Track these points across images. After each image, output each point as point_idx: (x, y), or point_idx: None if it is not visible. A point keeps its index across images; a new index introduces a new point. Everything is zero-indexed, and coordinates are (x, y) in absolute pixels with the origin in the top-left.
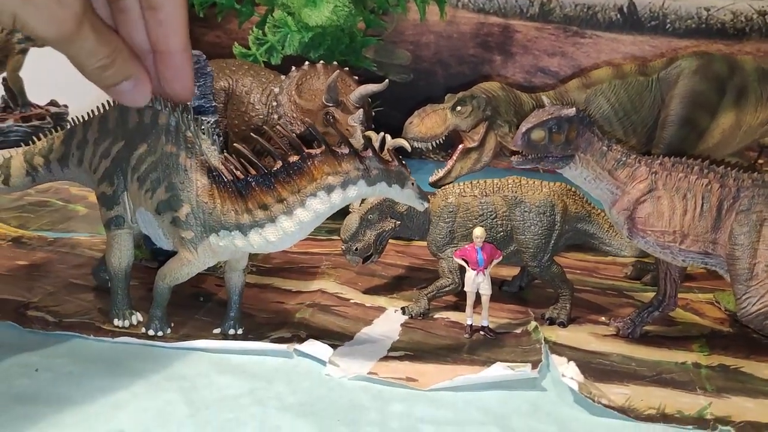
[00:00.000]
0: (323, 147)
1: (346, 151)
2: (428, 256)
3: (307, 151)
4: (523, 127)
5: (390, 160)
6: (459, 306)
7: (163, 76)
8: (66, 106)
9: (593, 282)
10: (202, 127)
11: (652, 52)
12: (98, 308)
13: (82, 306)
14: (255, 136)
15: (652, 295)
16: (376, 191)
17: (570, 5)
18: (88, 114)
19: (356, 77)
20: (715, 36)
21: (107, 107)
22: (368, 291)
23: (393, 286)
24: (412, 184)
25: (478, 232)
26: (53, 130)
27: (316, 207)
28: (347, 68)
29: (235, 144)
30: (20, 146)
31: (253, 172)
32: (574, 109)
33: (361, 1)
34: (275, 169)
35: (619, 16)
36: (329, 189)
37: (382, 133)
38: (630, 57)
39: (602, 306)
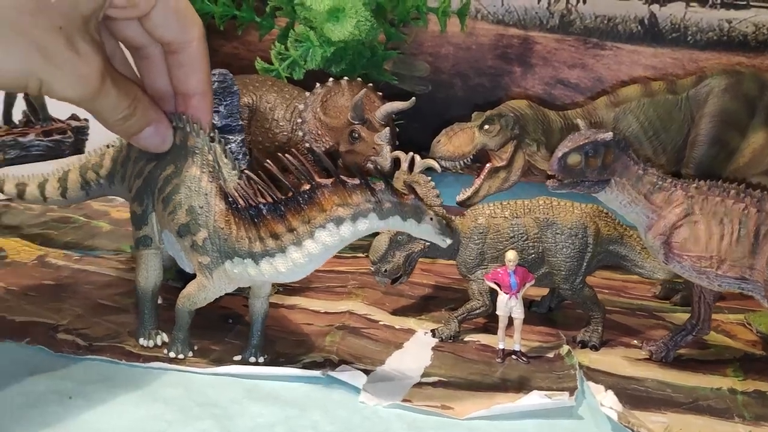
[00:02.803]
0: (334, 177)
1: (356, 182)
2: (454, 275)
3: (317, 180)
4: (559, 152)
5: (405, 193)
6: (488, 328)
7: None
8: (86, 120)
9: (622, 302)
10: (228, 146)
11: (673, 64)
12: (127, 331)
13: (111, 328)
14: (283, 155)
15: (682, 315)
16: (389, 225)
17: (590, 17)
18: None
19: (380, 93)
20: (737, 48)
21: None
22: (396, 312)
23: (420, 307)
24: (431, 218)
25: (511, 255)
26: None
27: (325, 239)
28: (370, 83)
29: (245, 171)
30: (41, 161)
31: (268, 198)
32: (611, 133)
33: (381, 14)
34: (286, 197)
35: (639, 27)
36: (338, 221)
37: (411, 154)
38: (651, 69)
39: (633, 328)
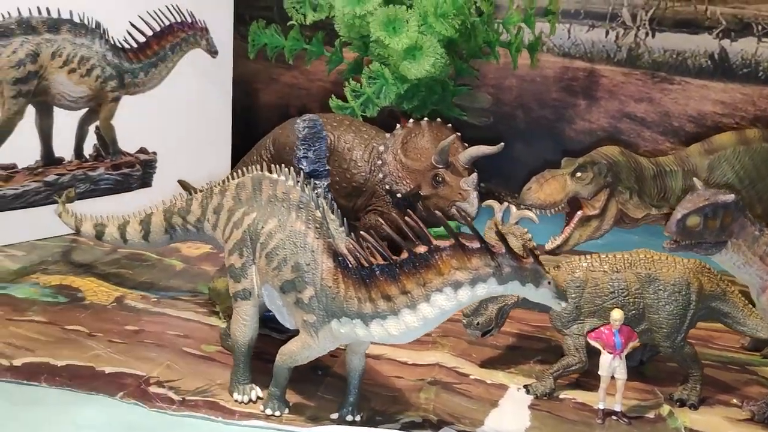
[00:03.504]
0: (453, 240)
1: (476, 245)
2: (536, 322)
3: (435, 243)
4: (679, 213)
5: (525, 256)
6: (581, 383)
7: None
8: (155, 153)
9: (711, 354)
10: (316, 191)
11: (743, 99)
12: (218, 383)
13: (201, 380)
14: (398, 216)
15: None
16: (507, 290)
17: (659, 51)
18: (226, 178)
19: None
20: None
21: (244, 173)
22: (485, 364)
23: (508, 359)
24: (549, 282)
25: (617, 315)
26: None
27: (442, 303)
28: (439, 119)
29: (361, 232)
30: (110, 195)
31: (379, 259)
32: (732, 195)
33: (453, 49)
34: (401, 259)
35: (709, 62)
36: (456, 285)
37: (505, 204)
38: (720, 104)
39: (728, 384)
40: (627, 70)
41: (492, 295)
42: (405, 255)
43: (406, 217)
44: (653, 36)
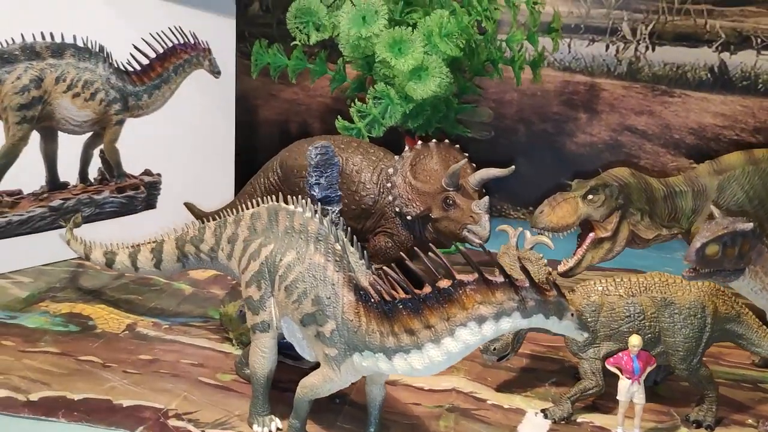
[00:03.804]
0: (477, 274)
1: (500, 279)
2: (548, 342)
3: (459, 277)
4: (698, 242)
5: (548, 289)
6: (598, 406)
7: None
8: (159, 174)
9: (723, 372)
10: (328, 217)
11: (743, 112)
12: (236, 414)
13: (220, 411)
14: (433, 247)
15: None
16: (531, 323)
17: (659, 64)
18: (239, 206)
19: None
20: None
21: (259, 203)
22: (501, 388)
23: (523, 382)
24: (572, 315)
25: (635, 341)
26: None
27: (466, 338)
28: (447, 140)
29: (383, 267)
30: (115, 218)
31: (401, 292)
32: (750, 223)
33: (456, 68)
34: (424, 293)
35: (709, 75)
36: (481, 320)
37: (519, 229)
38: (720, 116)
39: (742, 403)
40: (627, 83)
41: (516, 329)
42: (428, 289)
43: (429, 252)
44: (653, 50)
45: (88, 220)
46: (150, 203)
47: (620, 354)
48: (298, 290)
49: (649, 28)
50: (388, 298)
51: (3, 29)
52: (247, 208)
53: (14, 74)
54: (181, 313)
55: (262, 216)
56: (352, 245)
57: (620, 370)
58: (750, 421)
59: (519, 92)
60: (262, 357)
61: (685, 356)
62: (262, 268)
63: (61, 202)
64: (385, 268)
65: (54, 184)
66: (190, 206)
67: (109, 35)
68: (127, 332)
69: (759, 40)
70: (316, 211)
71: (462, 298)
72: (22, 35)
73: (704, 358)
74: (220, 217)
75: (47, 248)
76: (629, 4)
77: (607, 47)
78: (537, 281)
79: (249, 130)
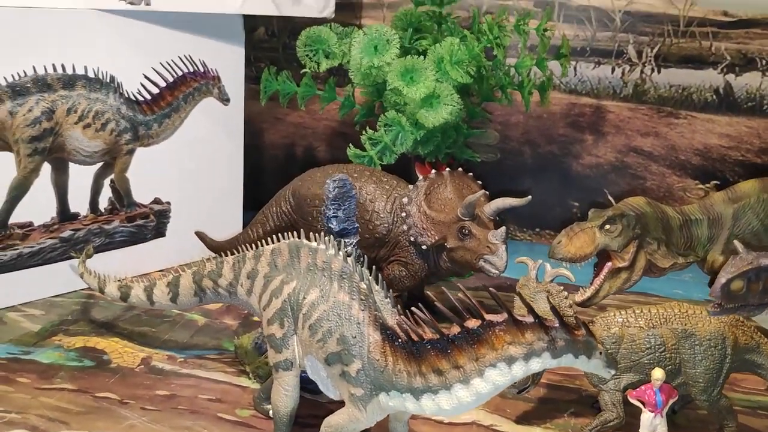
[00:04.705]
0: (506, 315)
1: (530, 320)
2: (564, 370)
3: (488, 318)
4: (723, 278)
5: (578, 328)
6: None
7: None
8: (168, 203)
9: (739, 399)
10: (345, 249)
11: (748, 133)
12: None
13: None
14: (462, 287)
15: None
16: (561, 363)
17: (665, 86)
18: (259, 242)
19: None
20: None
21: (279, 239)
22: (520, 420)
23: (542, 413)
24: (600, 353)
25: (659, 374)
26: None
27: (496, 379)
28: (460, 168)
29: (412, 308)
30: (125, 246)
31: (428, 332)
32: None
33: (465, 93)
34: (453, 334)
35: (714, 97)
36: (510, 360)
37: (540, 261)
38: (725, 137)
39: (759, 431)
40: (633, 105)
41: (546, 368)
42: (456, 329)
43: (459, 294)
44: (659, 72)
45: (98, 249)
46: (159, 231)
47: (643, 387)
48: (323, 329)
49: (655, 50)
50: (415, 337)
51: (15, 62)
52: (259, 237)
53: (26, 107)
54: (196, 345)
55: (284, 252)
56: (377, 283)
57: (643, 403)
58: None
59: (525, 115)
60: (285, 395)
61: (706, 387)
62: (284, 305)
63: (72, 232)
64: (413, 309)
65: (65, 215)
66: (201, 235)
67: (120, 65)
68: (142, 366)
69: (764, 62)
70: (339, 249)
71: (491, 339)
72: (33, 67)
73: None
74: (233, 248)
75: (58, 279)
76: (635, 27)
77: (613, 70)
78: (566, 321)
79: (255, 153)
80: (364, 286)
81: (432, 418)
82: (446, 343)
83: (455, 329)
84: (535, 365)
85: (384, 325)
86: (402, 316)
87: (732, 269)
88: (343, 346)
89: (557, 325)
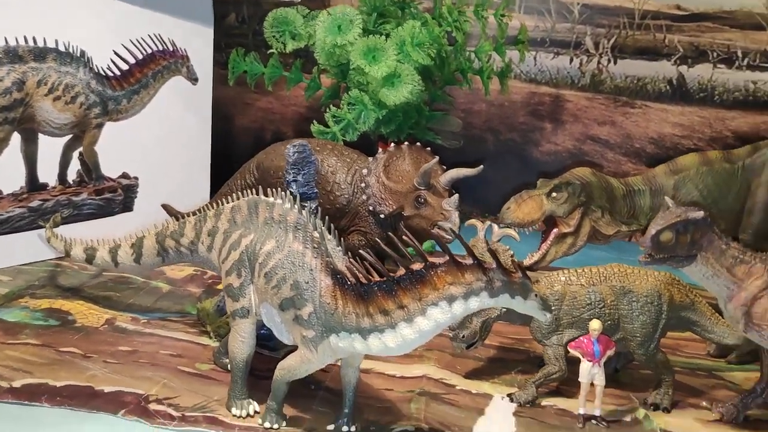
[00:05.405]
0: (447, 257)
1: (469, 261)
2: (515, 335)
3: (430, 260)
4: (653, 229)
5: (514, 271)
6: (561, 391)
7: None
8: (136, 178)
9: (680, 361)
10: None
11: (700, 122)
12: (215, 399)
13: (199, 397)
14: (407, 232)
15: (738, 374)
16: (498, 303)
17: (620, 77)
18: (218, 201)
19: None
20: (763, 108)
21: (239, 197)
22: (469, 375)
23: (490, 370)
24: (536, 295)
25: (596, 324)
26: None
27: (437, 316)
28: (418, 143)
29: (360, 251)
30: (92, 219)
31: (376, 275)
32: (702, 211)
33: (428, 77)
34: (398, 275)
35: (668, 87)
36: (451, 299)
37: (488, 222)
38: (678, 126)
39: (697, 388)
40: (590, 95)
41: (483, 307)
42: (402, 271)
43: (403, 236)
44: (615, 63)
45: (65, 221)
46: (127, 206)
47: (581, 338)
48: (278, 276)
49: (611, 42)
50: (363, 280)
51: None
52: None
53: None
54: (159, 309)
55: (242, 208)
56: (329, 233)
57: (581, 353)
58: (704, 404)
59: (487, 103)
60: (242, 342)
61: (643, 341)
62: (242, 256)
63: (40, 203)
64: (361, 251)
65: (33, 185)
66: (167, 208)
67: (91, 41)
68: (106, 326)
69: (715, 54)
70: (294, 202)
71: (434, 279)
72: (5, 39)
73: (664, 350)
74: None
75: (26, 248)
76: (592, 19)
77: (571, 60)
78: (503, 264)
79: (224, 137)
80: (317, 235)
81: (385, 372)
82: (392, 284)
83: (401, 272)
84: (474, 304)
85: (335, 271)
86: (352, 260)
87: (662, 221)
88: (296, 291)
89: (495, 266)
